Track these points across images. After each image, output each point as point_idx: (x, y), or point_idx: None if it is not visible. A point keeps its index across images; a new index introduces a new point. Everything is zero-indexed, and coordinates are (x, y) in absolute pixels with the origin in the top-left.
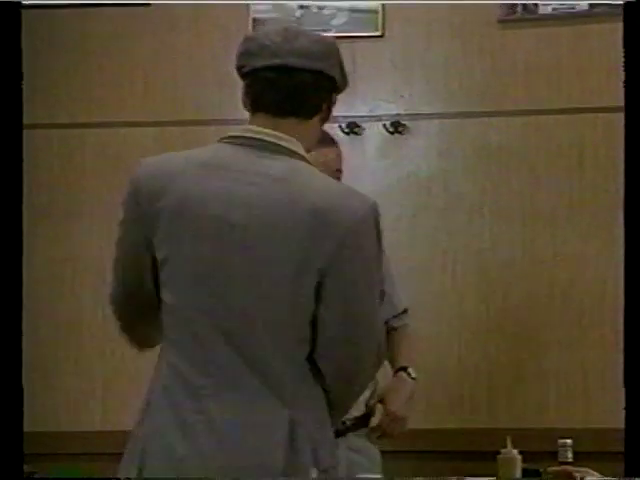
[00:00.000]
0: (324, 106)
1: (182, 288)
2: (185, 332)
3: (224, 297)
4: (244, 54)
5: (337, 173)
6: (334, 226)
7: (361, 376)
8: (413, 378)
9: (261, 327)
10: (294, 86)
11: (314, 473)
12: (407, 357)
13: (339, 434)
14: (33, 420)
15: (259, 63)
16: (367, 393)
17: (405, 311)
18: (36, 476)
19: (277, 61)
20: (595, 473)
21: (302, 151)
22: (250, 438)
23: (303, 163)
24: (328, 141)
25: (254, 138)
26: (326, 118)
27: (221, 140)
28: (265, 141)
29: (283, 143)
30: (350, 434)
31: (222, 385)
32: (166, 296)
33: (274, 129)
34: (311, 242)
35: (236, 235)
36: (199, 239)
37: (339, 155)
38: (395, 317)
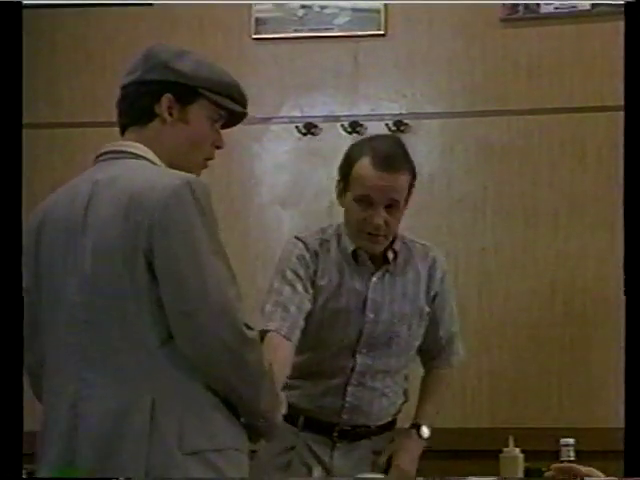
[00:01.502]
0: (157, 108)
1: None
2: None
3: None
4: None
5: (390, 201)
6: (146, 206)
7: (222, 355)
8: (424, 438)
9: (106, 319)
10: (121, 101)
11: (317, 472)
12: (431, 410)
13: None
14: (32, 420)
15: None
16: (399, 402)
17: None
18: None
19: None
20: (599, 473)
21: (149, 154)
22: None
23: (142, 162)
24: (380, 166)
25: (103, 152)
26: (182, 118)
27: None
28: (110, 152)
29: (124, 148)
30: None
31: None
32: None
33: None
34: (130, 226)
35: (77, 239)
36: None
37: (391, 184)
38: (444, 355)
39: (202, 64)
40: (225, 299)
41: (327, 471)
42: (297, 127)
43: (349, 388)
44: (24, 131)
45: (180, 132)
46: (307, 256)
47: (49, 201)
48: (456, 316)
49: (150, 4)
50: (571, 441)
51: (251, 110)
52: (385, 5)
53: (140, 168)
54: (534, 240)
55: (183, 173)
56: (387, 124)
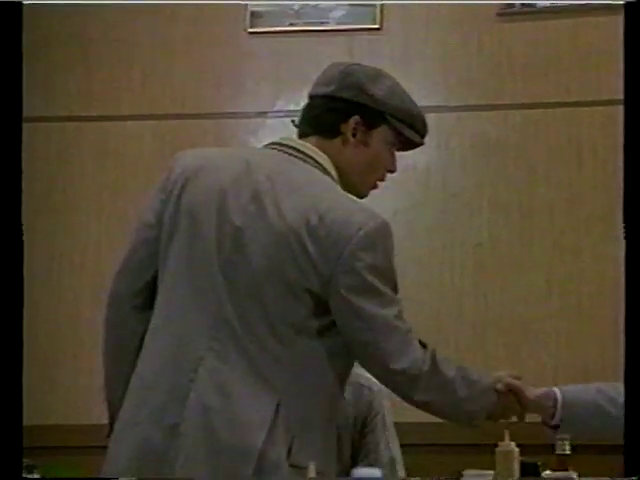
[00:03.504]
0: (343, 127)
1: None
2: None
3: (221, 296)
4: None
5: None
6: (339, 236)
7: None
8: None
9: (248, 302)
10: (308, 109)
11: (312, 472)
12: None
13: None
14: (32, 414)
15: None
16: None
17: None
18: (35, 474)
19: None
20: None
21: (332, 172)
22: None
23: (327, 178)
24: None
25: (283, 144)
26: (364, 141)
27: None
28: (291, 147)
29: (309, 152)
30: None
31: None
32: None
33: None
34: (315, 245)
35: (232, 233)
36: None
37: None
38: None
39: (394, 91)
40: (405, 330)
41: None
42: (293, 121)
43: None
44: None
45: (360, 154)
46: None
47: (208, 153)
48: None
49: None
50: (567, 435)
51: (247, 104)
52: None
53: (328, 188)
54: (530, 234)
55: (373, 211)
56: None
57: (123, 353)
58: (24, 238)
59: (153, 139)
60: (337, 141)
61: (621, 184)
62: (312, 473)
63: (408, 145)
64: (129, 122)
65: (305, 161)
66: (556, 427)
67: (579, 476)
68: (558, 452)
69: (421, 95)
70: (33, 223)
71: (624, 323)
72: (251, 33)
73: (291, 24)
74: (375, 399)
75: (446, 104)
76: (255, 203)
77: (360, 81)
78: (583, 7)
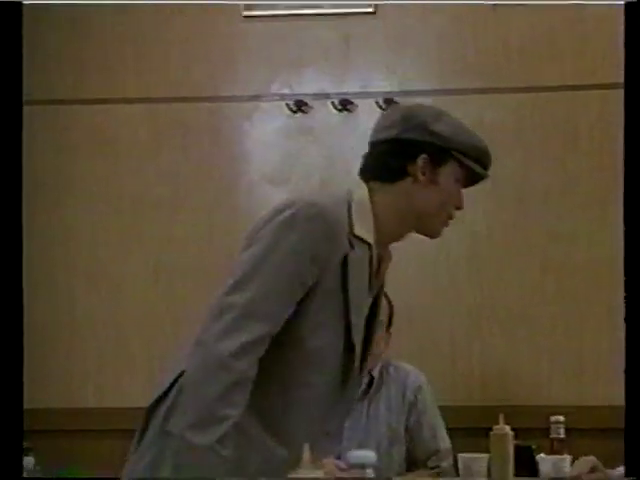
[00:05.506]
0: (410, 168)
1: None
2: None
3: None
4: None
5: None
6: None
7: None
8: None
9: None
10: (371, 155)
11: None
12: None
13: None
14: (28, 397)
15: None
16: None
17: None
18: (30, 456)
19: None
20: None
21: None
22: None
23: None
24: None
25: None
26: (433, 179)
27: None
28: None
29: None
30: None
31: None
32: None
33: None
34: None
35: None
36: None
37: None
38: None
39: (458, 127)
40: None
41: None
42: (287, 104)
43: None
44: None
45: (431, 193)
46: None
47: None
48: (440, 434)
49: None
50: (561, 418)
51: (241, 87)
52: None
53: None
54: (525, 219)
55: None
56: (377, 102)
57: None
58: None
59: (147, 123)
60: (405, 183)
61: (617, 168)
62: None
63: (473, 179)
64: (122, 105)
65: None
66: None
67: (573, 459)
68: (553, 436)
69: (416, 78)
70: (27, 207)
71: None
72: (246, 17)
73: (286, 8)
74: None
75: (441, 87)
76: None
77: (424, 121)
78: None
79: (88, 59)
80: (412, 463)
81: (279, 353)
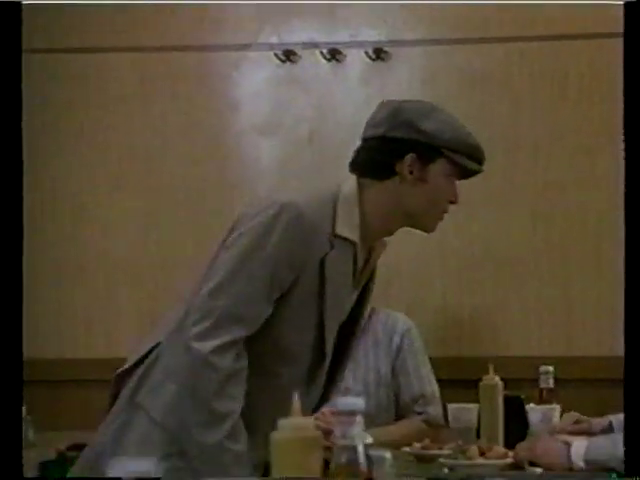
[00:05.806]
0: (398, 166)
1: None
2: None
3: None
4: None
5: None
6: None
7: None
8: None
9: None
10: (360, 152)
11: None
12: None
13: None
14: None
15: None
16: None
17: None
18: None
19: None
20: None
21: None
22: None
23: None
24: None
25: None
26: (421, 177)
27: None
28: None
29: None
30: None
31: None
32: None
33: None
34: None
35: None
36: None
37: None
38: (412, 416)
39: (447, 124)
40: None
41: None
42: (276, 54)
43: None
44: None
45: (419, 191)
46: None
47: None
48: (426, 377)
49: None
50: (550, 369)
51: (229, 37)
52: None
53: None
54: (513, 169)
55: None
56: (367, 51)
57: None
58: None
59: (133, 71)
60: (393, 181)
61: (606, 118)
62: (296, 404)
63: (467, 173)
64: (109, 54)
65: None
66: None
67: (563, 409)
68: (542, 386)
69: (406, 28)
70: None
71: (624, 266)
72: None
73: None
74: None
75: (431, 37)
76: None
77: (411, 119)
78: None
79: (74, 8)
80: (400, 409)
81: (252, 345)
